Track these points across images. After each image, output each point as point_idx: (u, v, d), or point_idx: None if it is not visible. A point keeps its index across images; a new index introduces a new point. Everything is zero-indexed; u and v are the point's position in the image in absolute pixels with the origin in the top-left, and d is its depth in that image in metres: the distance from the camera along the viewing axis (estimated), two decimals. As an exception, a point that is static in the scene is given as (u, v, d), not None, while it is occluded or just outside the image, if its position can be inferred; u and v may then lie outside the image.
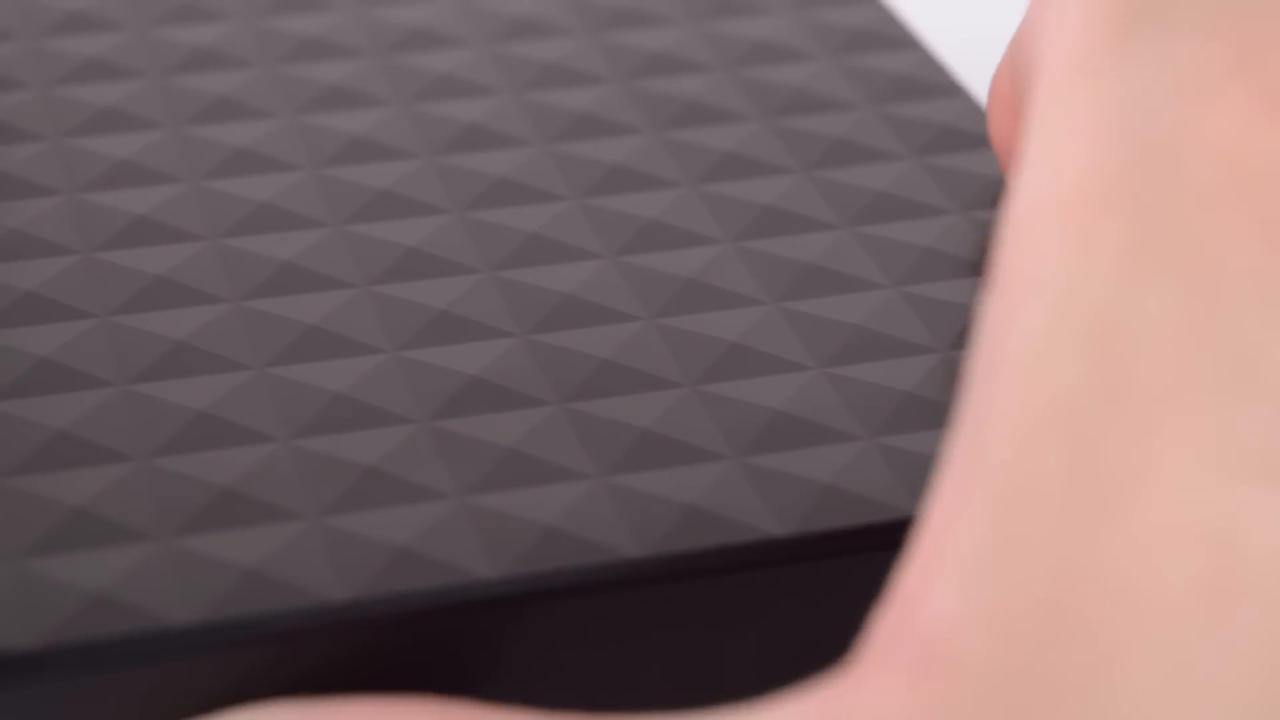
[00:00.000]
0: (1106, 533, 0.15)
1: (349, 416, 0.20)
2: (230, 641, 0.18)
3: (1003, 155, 0.23)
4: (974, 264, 0.23)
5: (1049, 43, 0.18)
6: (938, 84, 0.26)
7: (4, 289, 0.22)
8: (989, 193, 0.24)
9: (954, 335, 0.22)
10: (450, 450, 0.20)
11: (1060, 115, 0.17)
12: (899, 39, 0.27)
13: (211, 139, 0.25)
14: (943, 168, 0.25)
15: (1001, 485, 0.15)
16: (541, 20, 0.27)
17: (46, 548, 0.19)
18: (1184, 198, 0.16)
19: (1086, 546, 0.15)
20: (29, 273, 0.22)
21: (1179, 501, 0.15)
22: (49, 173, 0.24)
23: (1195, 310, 0.15)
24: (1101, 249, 0.16)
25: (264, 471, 0.20)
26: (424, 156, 0.24)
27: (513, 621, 0.19)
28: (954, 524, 0.15)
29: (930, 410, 0.21)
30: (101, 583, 0.18)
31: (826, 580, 0.20)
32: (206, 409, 0.20)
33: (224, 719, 0.18)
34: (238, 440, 0.20)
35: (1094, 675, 0.14)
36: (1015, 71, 0.21)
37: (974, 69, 0.34)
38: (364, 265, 0.23)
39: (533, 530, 0.19)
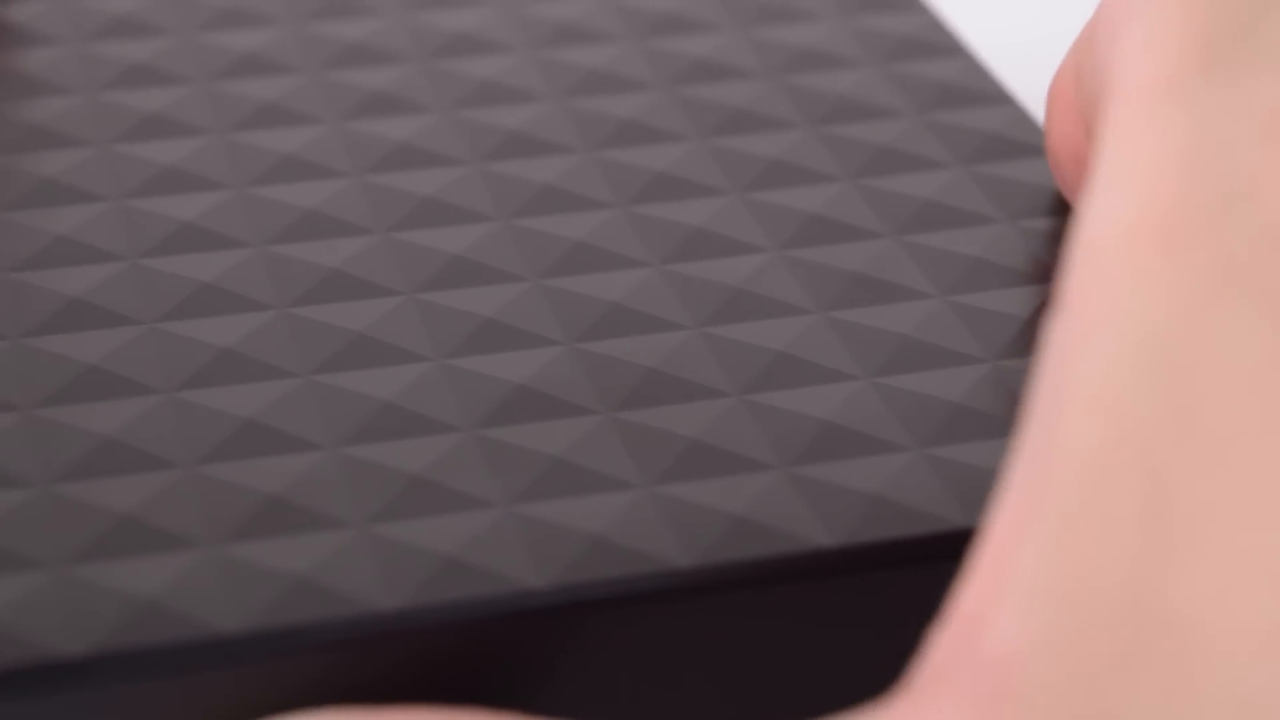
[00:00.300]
0: (1177, 567, 0.14)
1: (396, 424, 0.20)
2: (277, 650, 0.18)
3: (1061, 158, 0.23)
4: (1023, 274, 0.23)
5: (1126, 67, 0.17)
6: (985, 91, 0.26)
7: (51, 295, 0.22)
8: (1037, 202, 0.24)
9: (1003, 345, 0.22)
10: (497, 459, 0.20)
11: (1136, 143, 0.17)
12: (946, 46, 0.27)
13: (258, 145, 0.25)
14: (990, 176, 0.25)
15: (1069, 513, 0.15)
16: (586, 26, 0.27)
17: (95, 554, 0.19)
18: (1260, 232, 0.16)
19: (1156, 580, 0.14)
20: (76, 279, 0.22)
21: (1250, 538, 0.15)
22: (96, 179, 0.24)
23: (1268, 345, 0.15)
24: (1175, 280, 0.16)
25: (311, 479, 0.20)
26: (469, 163, 0.24)
27: (560, 631, 0.19)
28: (1017, 548, 0.15)
29: (979, 421, 0.21)
30: (150, 590, 0.18)
31: (874, 591, 0.20)
32: (254, 416, 0.20)
33: None
34: (285, 448, 0.20)
35: (1161, 711, 0.14)
36: (1081, 77, 0.21)
37: (1021, 76, 0.34)
38: (410, 272, 0.23)
39: (580, 540, 0.19)
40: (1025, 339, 0.22)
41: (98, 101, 0.25)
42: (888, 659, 0.20)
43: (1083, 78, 0.21)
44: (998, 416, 0.21)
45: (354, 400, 0.21)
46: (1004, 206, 0.24)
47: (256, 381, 0.21)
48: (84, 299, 0.22)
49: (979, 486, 0.20)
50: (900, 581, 0.20)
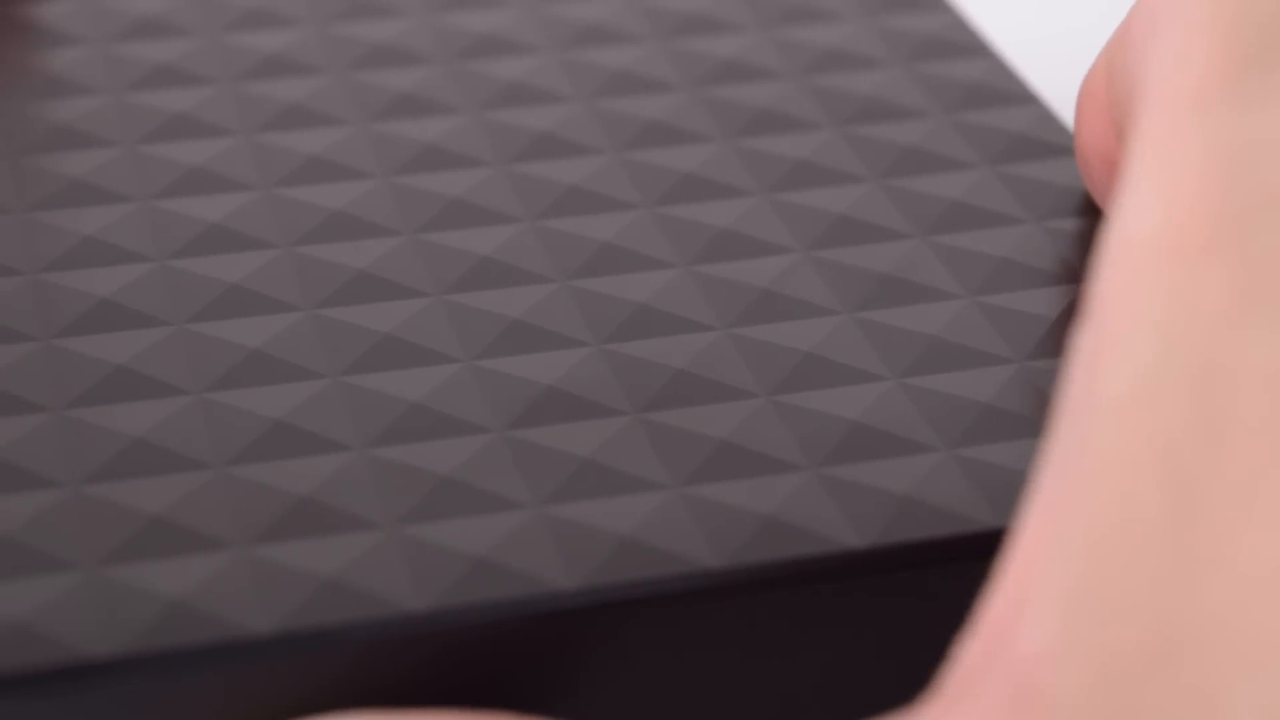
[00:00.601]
0: (1207, 575, 0.14)
1: (424, 425, 0.20)
2: (307, 650, 0.18)
3: (1091, 159, 0.23)
4: (1050, 274, 0.23)
5: (1161, 74, 0.17)
6: (1011, 91, 0.26)
7: (80, 296, 0.22)
8: (1064, 202, 0.24)
9: (1031, 346, 0.22)
10: (526, 460, 0.20)
11: (1170, 151, 0.17)
12: (971, 46, 0.27)
13: (284, 146, 0.25)
14: (1017, 176, 0.25)
15: (1099, 521, 0.15)
16: (611, 27, 0.27)
17: (126, 555, 0.19)
18: None
19: (1187, 588, 0.14)
20: (104, 280, 0.22)
21: (1278, 546, 0.14)
22: (122, 179, 0.24)
23: None
24: (1207, 290, 0.16)
25: (340, 480, 0.20)
26: (496, 165, 0.24)
27: (589, 632, 0.19)
28: (1046, 557, 0.15)
29: (1008, 421, 0.21)
30: (180, 591, 0.18)
31: (903, 591, 0.20)
32: (283, 417, 0.20)
33: None
34: (314, 449, 0.20)
35: (1189, 717, 0.14)
36: (1113, 79, 0.21)
37: (1044, 75, 0.34)
38: (437, 274, 0.23)
39: (610, 541, 0.19)
40: (1053, 339, 0.22)
41: (122, 102, 0.25)
42: (917, 659, 0.20)
43: (1114, 79, 0.21)
44: (1026, 417, 0.21)
45: (383, 401, 0.21)
46: (1031, 207, 0.24)
47: (285, 382, 0.21)
48: (112, 299, 0.22)
49: (1008, 487, 0.20)
50: (929, 582, 0.20)
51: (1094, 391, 0.16)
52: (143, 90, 0.25)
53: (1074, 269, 0.23)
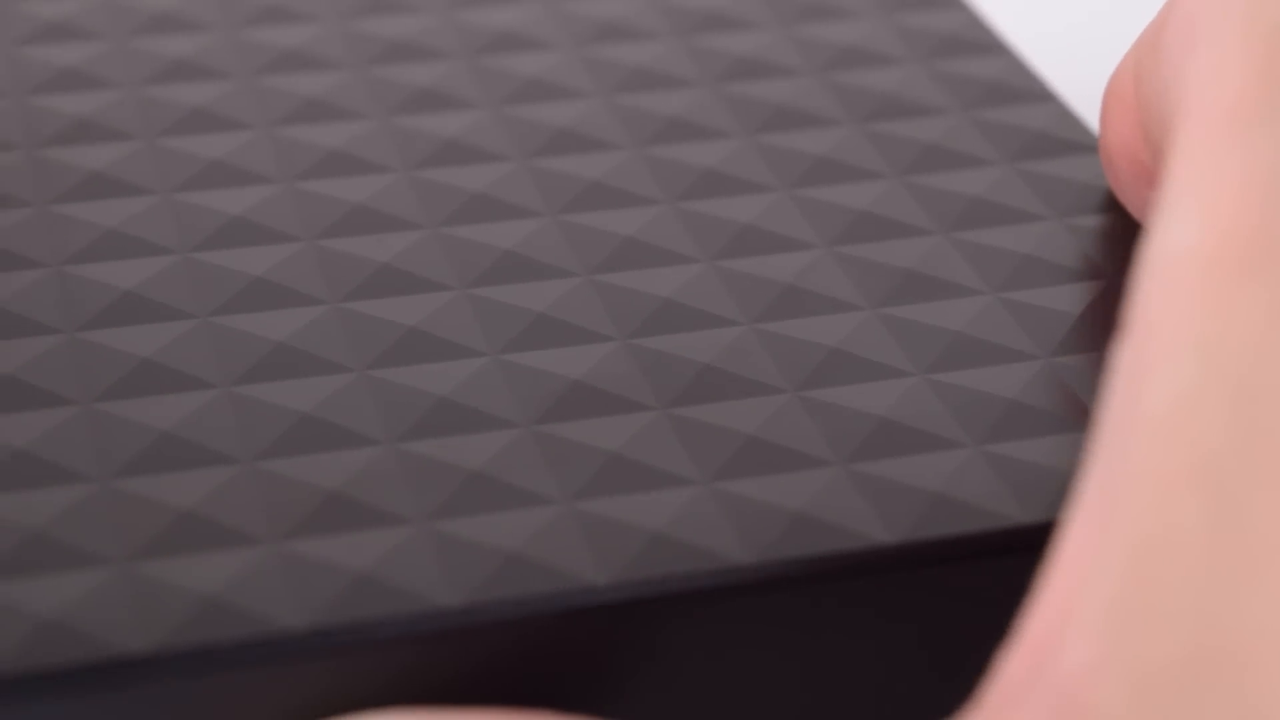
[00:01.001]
0: (1251, 591, 0.14)
1: (452, 420, 0.20)
2: (341, 646, 0.18)
3: (1116, 159, 0.23)
4: (1073, 270, 0.23)
5: (1198, 90, 0.17)
6: (1028, 89, 0.26)
7: (103, 289, 0.22)
8: (1086, 199, 0.24)
9: (1056, 342, 0.22)
10: (555, 455, 0.20)
11: (1209, 167, 0.16)
12: (987, 44, 0.27)
13: (304, 140, 0.24)
14: (1037, 173, 0.25)
15: (1141, 538, 0.15)
16: (630, 24, 0.27)
17: (157, 551, 0.19)
18: None
19: (1230, 604, 0.14)
20: (127, 273, 0.22)
21: None
22: (143, 173, 0.24)
23: None
24: (1248, 307, 0.15)
25: (370, 475, 0.20)
26: (517, 160, 0.24)
27: (621, 627, 0.19)
28: (1089, 571, 0.15)
29: (1035, 417, 0.21)
30: (212, 586, 0.18)
31: (932, 587, 0.20)
32: (310, 411, 0.20)
33: None
34: (343, 443, 0.20)
35: None
36: (1142, 80, 0.21)
37: (1058, 73, 0.34)
38: (461, 268, 0.22)
39: (640, 536, 0.19)
40: (1078, 335, 0.22)
41: (141, 96, 0.25)
42: (946, 655, 0.20)
43: (1144, 84, 0.21)
44: (1053, 412, 0.21)
45: (410, 395, 0.21)
46: (1052, 204, 0.24)
47: (311, 376, 0.21)
48: (136, 292, 0.22)
49: (1036, 482, 0.20)
50: (958, 577, 0.20)
51: (1135, 407, 0.16)
52: (161, 84, 0.25)
53: (1097, 265, 0.23)
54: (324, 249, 0.23)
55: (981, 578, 0.20)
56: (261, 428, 0.20)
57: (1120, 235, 0.24)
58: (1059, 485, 0.20)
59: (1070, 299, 0.23)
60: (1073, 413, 0.21)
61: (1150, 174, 0.23)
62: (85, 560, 0.18)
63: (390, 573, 0.19)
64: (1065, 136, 0.25)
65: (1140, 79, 0.21)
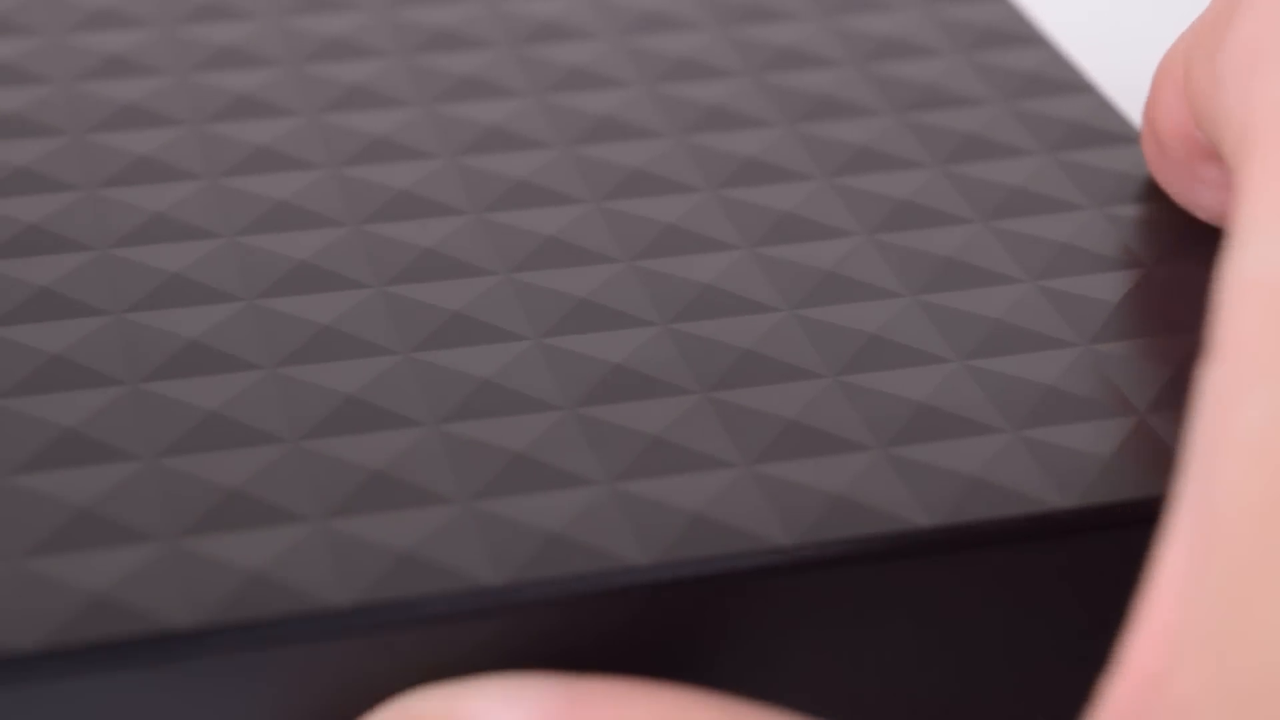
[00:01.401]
0: None
1: (495, 402, 0.21)
2: (384, 623, 0.18)
3: (1166, 136, 0.23)
4: (1112, 259, 0.23)
5: (1272, 114, 0.17)
6: (1067, 81, 0.26)
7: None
8: (1125, 188, 0.24)
9: (1095, 329, 0.22)
10: (597, 437, 0.20)
11: None
12: (1026, 35, 0.27)
13: (348, 126, 0.25)
14: (1076, 164, 0.25)
15: (1240, 565, 0.15)
16: (671, 14, 0.27)
17: (204, 528, 0.19)
18: None
19: None
20: (173, 256, 0.22)
21: None
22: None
23: None
24: None
25: (414, 455, 0.20)
26: (559, 147, 0.25)
27: (663, 607, 0.19)
28: (1190, 603, 0.15)
29: (1073, 404, 0.21)
30: (258, 563, 0.19)
31: (970, 571, 0.20)
32: (354, 393, 0.21)
33: (475, 685, 0.18)
34: (387, 424, 0.20)
35: None
36: (1195, 75, 0.21)
37: (1094, 65, 0.34)
38: (504, 253, 0.23)
39: (682, 517, 0.19)
40: (1116, 323, 0.22)
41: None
42: (983, 640, 0.20)
43: (1197, 78, 0.21)
44: (1090, 399, 0.21)
45: (453, 378, 0.21)
46: (1091, 193, 0.24)
47: (356, 358, 0.21)
48: (183, 275, 0.22)
49: (1075, 469, 0.20)
50: (996, 562, 0.20)
51: (1226, 434, 0.16)
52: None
53: (1135, 254, 0.23)
54: (369, 234, 0.23)
55: (1019, 562, 0.20)
56: (307, 408, 0.20)
57: (1158, 224, 0.24)
58: (1096, 471, 0.20)
59: (1108, 287, 0.23)
60: (1110, 399, 0.21)
61: (1205, 150, 0.23)
62: (133, 537, 0.19)
63: (434, 552, 0.19)
64: (1103, 127, 0.26)
65: (1191, 68, 0.21)
